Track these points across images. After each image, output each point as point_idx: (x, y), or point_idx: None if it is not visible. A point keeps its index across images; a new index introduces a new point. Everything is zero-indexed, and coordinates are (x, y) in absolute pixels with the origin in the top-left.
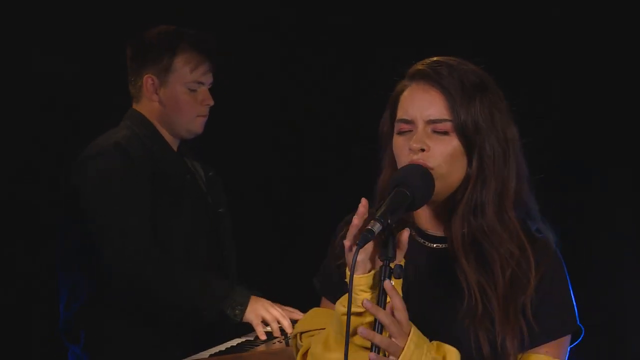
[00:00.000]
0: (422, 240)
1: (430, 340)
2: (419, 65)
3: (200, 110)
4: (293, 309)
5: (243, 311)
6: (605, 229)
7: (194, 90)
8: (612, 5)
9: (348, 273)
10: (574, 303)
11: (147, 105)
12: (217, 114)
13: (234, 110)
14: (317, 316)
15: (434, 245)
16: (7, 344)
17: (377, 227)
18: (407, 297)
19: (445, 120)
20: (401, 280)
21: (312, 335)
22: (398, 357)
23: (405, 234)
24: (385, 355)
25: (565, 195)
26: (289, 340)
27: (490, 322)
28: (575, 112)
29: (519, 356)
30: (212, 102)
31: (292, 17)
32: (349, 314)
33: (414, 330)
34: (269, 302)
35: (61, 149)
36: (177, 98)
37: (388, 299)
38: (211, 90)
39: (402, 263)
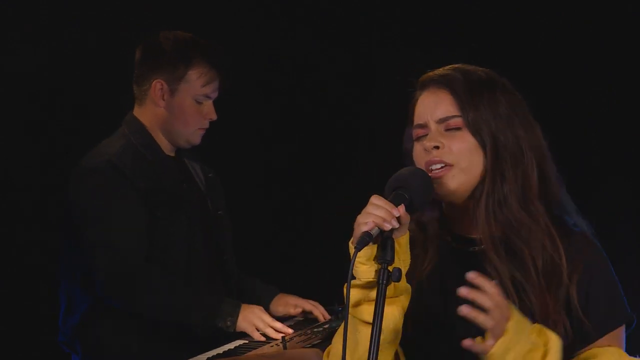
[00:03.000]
0: (456, 244)
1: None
2: (429, 73)
3: (203, 123)
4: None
5: (234, 322)
6: (605, 237)
7: (200, 103)
8: (614, 10)
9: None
10: (622, 292)
11: (151, 110)
12: (217, 112)
13: (230, 108)
14: None
15: (467, 248)
16: (11, 347)
17: (375, 230)
18: (439, 303)
19: (454, 116)
20: (405, 283)
21: None
22: (497, 340)
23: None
24: (483, 339)
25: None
26: (286, 343)
27: (531, 318)
28: (575, 116)
29: (578, 353)
30: (215, 117)
31: (294, 16)
32: (346, 312)
33: (515, 312)
34: (260, 308)
35: (66, 148)
36: (184, 108)
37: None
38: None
39: (403, 267)
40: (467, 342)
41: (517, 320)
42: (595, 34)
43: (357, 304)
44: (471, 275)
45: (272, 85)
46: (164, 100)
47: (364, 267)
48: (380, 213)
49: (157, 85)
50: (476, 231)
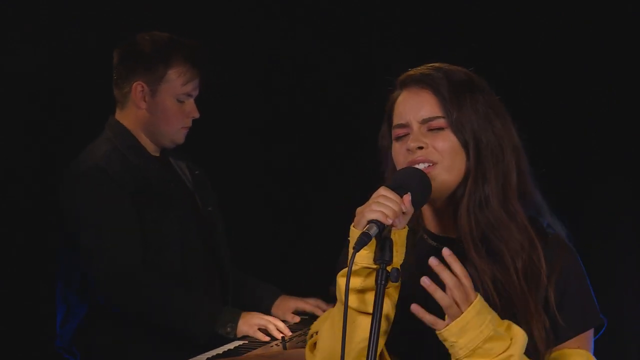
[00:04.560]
0: (433, 243)
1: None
2: (410, 72)
3: (186, 122)
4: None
5: (234, 327)
6: (605, 237)
7: (181, 102)
8: (614, 10)
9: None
10: (594, 296)
11: (133, 112)
12: (217, 112)
13: (231, 108)
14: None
15: (444, 247)
16: (10, 347)
17: (374, 231)
18: (415, 299)
19: (438, 117)
20: (399, 283)
21: None
22: (454, 320)
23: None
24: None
25: (564, 202)
26: (286, 344)
27: (512, 318)
28: (575, 116)
29: (549, 353)
30: (197, 115)
31: (294, 16)
32: (345, 309)
33: (479, 299)
34: (260, 314)
35: (65, 149)
36: (166, 108)
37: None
38: (210, 85)
39: (399, 259)
40: (414, 307)
41: (480, 307)
42: (595, 34)
43: (354, 291)
44: (434, 262)
45: (272, 85)
46: (145, 101)
47: (364, 252)
48: (391, 205)
49: (138, 87)
50: (455, 231)
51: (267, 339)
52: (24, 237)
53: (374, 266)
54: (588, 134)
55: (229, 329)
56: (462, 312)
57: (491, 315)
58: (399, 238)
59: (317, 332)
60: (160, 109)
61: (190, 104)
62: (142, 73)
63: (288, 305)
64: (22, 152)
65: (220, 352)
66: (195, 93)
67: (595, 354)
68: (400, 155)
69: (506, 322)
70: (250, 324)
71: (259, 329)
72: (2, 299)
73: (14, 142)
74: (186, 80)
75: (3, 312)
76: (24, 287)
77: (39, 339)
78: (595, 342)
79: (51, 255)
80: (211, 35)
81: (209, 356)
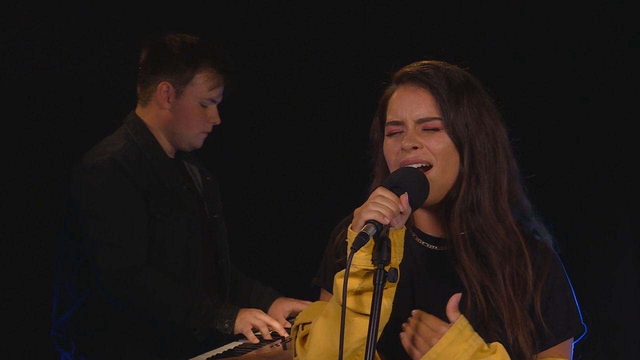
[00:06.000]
0: (422, 242)
1: None
2: (406, 69)
3: (206, 127)
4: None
5: (232, 324)
6: (604, 237)
7: (204, 107)
8: (612, 9)
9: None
10: (577, 305)
11: (155, 111)
12: (220, 114)
13: (231, 108)
14: (318, 308)
15: (434, 247)
16: (10, 347)
17: (371, 231)
18: (407, 297)
19: (435, 118)
20: (395, 283)
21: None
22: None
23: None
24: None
25: (563, 199)
26: (286, 344)
27: (499, 324)
28: (575, 116)
29: (535, 358)
30: (219, 121)
31: (292, 19)
32: (343, 309)
33: (452, 328)
34: (258, 310)
35: (63, 147)
36: (189, 111)
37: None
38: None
39: (397, 258)
40: (402, 335)
41: (453, 337)
42: (595, 34)
43: (351, 293)
44: (416, 312)
45: (272, 86)
46: (169, 102)
47: (362, 254)
48: (388, 205)
49: (163, 87)
50: (445, 232)
51: (257, 341)
52: (24, 237)
53: (372, 267)
54: (587, 134)
55: (226, 325)
56: (431, 346)
57: (467, 344)
58: (397, 238)
59: (304, 324)
60: (182, 111)
61: (212, 110)
62: (169, 74)
63: (283, 308)
64: (23, 152)
65: (220, 352)
66: (219, 99)
67: (595, 354)
68: (393, 153)
69: (492, 346)
70: (245, 322)
71: (253, 330)
72: (2, 298)
73: (14, 142)
74: (212, 86)
75: (3, 311)
76: (24, 287)
77: (39, 338)
78: (596, 342)
79: (51, 255)
80: (211, 35)
81: (209, 356)
